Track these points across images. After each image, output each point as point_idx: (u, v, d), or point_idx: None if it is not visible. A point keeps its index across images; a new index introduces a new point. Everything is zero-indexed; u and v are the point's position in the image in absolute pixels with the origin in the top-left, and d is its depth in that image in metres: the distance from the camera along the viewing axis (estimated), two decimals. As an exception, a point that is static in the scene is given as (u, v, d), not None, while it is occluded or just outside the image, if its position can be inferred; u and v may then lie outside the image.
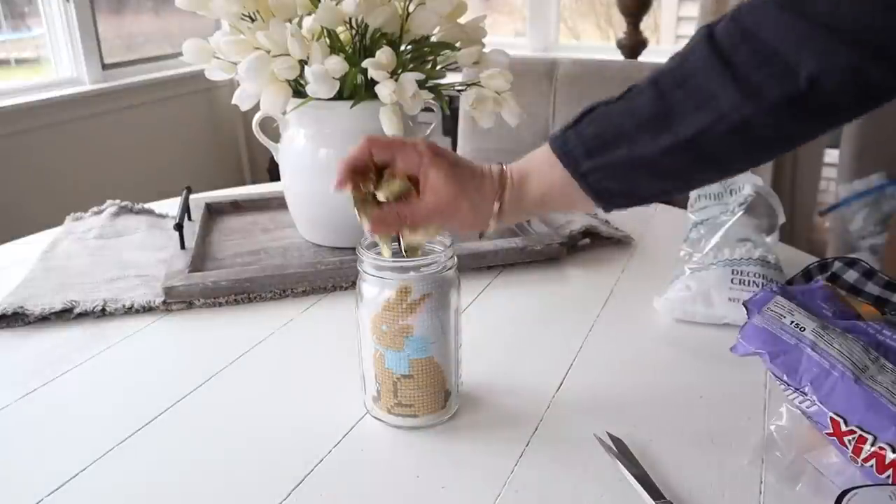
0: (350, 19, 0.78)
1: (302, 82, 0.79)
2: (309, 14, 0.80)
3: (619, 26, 2.44)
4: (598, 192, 0.55)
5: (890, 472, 0.47)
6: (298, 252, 0.90)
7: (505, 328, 0.74)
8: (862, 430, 0.48)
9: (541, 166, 0.57)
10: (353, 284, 0.82)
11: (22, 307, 0.75)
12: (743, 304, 0.56)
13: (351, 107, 0.80)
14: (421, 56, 0.85)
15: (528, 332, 0.73)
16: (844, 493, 0.45)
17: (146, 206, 1.06)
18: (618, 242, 0.95)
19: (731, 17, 0.50)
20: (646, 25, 2.36)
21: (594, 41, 3.03)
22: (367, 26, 0.79)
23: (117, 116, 2.43)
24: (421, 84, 0.80)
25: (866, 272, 0.64)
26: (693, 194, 0.88)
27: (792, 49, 0.47)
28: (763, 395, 0.61)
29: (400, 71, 0.79)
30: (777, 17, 0.48)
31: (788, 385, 0.52)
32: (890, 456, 0.47)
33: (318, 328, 0.75)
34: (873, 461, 0.48)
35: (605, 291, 0.81)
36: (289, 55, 0.75)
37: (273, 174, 2.89)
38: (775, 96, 0.48)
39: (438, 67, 0.86)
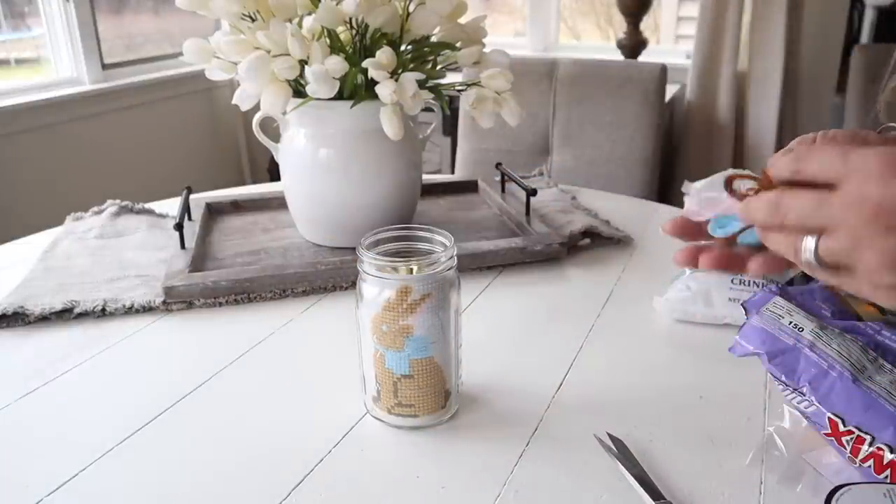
0: (350, 19, 0.78)
1: (302, 82, 0.79)
2: (309, 14, 0.80)
3: (619, 26, 2.45)
4: None
5: (888, 472, 0.47)
6: (298, 252, 0.90)
7: (505, 328, 0.74)
8: (860, 430, 0.48)
9: None
10: (353, 284, 0.83)
11: (22, 307, 0.75)
12: (741, 304, 0.56)
13: (351, 107, 0.80)
14: (421, 56, 0.85)
15: (527, 332, 0.73)
16: (835, 489, 0.45)
17: (146, 206, 1.06)
18: (618, 242, 0.95)
19: None
20: (646, 25, 2.36)
21: (594, 41, 3.03)
22: (367, 26, 0.79)
23: (117, 116, 2.43)
24: (421, 84, 0.80)
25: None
26: (693, 194, 0.88)
27: None
28: (763, 395, 0.61)
29: (400, 71, 0.79)
30: None
31: (787, 385, 0.53)
32: (888, 456, 0.47)
33: (318, 328, 0.75)
34: (871, 461, 0.48)
35: (605, 291, 0.81)
36: (289, 55, 0.75)
37: (273, 174, 2.89)
38: None
39: (438, 67, 0.87)
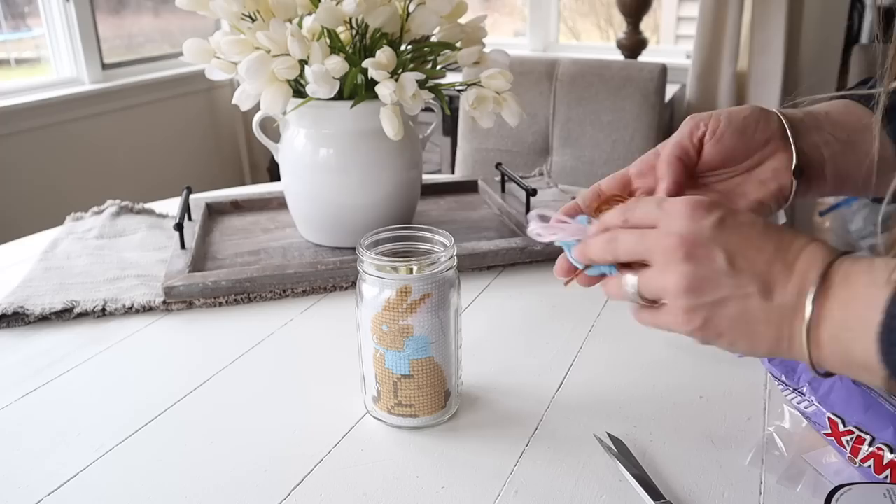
0: (350, 19, 0.78)
1: (302, 82, 0.79)
2: (309, 14, 0.80)
3: (619, 26, 2.45)
4: None
5: (888, 472, 0.47)
6: (298, 252, 0.90)
7: (505, 328, 0.74)
8: (860, 430, 0.48)
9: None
10: (353, 284, 0.83)
11: (22, 307, 0.75)
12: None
13: (351, 107, 0.80)
14: (421, 56, 0.85)
15: (528, 332, 0.73)
16: (835, 489, 0.45)
17: (146, 206, 1.06)
18: (618, 242, 0.94)
19: None
20: (646, 25, 2.36)
21: (594, 41, 3.03)
22: (367, 26, 0.79)
23: (117, 116, 2.43)
24: (421, 84, 0.80)
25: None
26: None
27: None
28: (763, 395, 0.61)
29: (400, 71, 0.79)
30: None
31: (787, 385, 0.53)
32: (888, 456, 0.47)
33: (318, 328, 0.75)
34: (871, 461, 0.48)
35: (605, 291, 0.81)
36: (289, 55, 0.75)
37: (273, 174, 2.89)
38: None
39: (438, 67, 0.87)
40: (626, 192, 0.53)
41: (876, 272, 0.37)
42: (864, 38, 2.55)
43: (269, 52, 0.75)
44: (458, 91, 0.86)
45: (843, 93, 0.56)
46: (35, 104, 2.16)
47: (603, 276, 0.46)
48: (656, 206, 0.42)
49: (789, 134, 0.51)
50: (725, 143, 0.51)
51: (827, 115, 0.54)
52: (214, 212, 1.04)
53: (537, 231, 0.48)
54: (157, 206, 1.08)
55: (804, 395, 0.51)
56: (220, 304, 0.79)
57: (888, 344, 0.35)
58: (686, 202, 0.41)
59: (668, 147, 0.52)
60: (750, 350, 0.42)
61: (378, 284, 0.54)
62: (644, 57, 2.30)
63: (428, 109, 0.89)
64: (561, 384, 0.63)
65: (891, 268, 0.36)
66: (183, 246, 0.86)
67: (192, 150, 2.74)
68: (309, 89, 0.76)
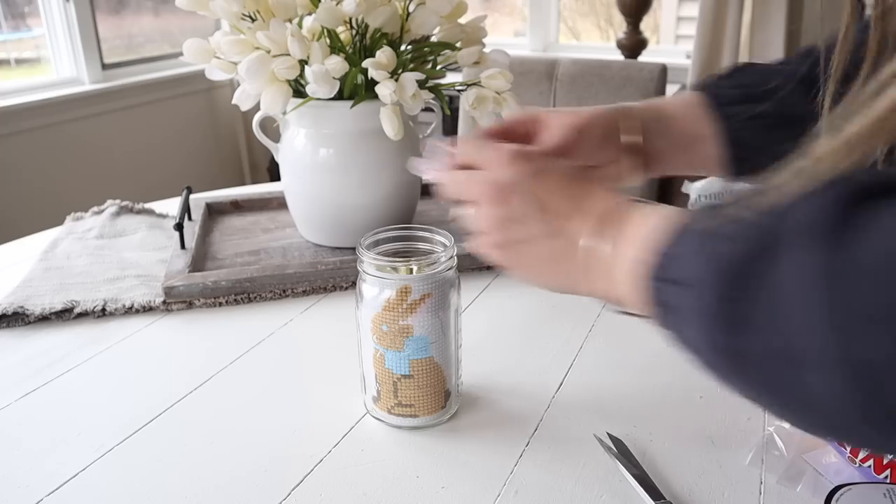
0: (350, 19, 0.78)
1: (302, 82, 0.79)
2: (309, 14, 0.80)
3: (619, 26, 2.45)
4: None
5: (888, 472, 0.47)
6: (298, 252, 0.90)
7: (505, 328, 0.74)
8: (861, 430, 0.48)
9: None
10: (353, 284, 0.83)
11: (22, 307, 0.75)
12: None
13: (351, 107, 0.80)
14: (421, 56, 0.85)
15: (528, 332, 0.73)
16: (835, 489, 0.45)
17: (146, 206, 1.06)
18: (618, 242, 0.94)
19: None
20: (646, 25, 2.36)
21: (594, 41, 3.04)
22: (367, 26, 0.79)
23: (117, 116, 2.43)
24: (421, 84, 0.80)
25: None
26: (693, 194, 0.88)
27: None
28: (763, 395, 0.61)
29: (400, 71, 0.79)
30: None
31: (788, 385, 0.52)
32: (888, 456, 0.47)
33: (318, 328, 0.75)
34: (871, 461, 0.48)
35: (605, 291, 0.81)
36: (289, 55, 0.75)
37: (273, 174, 2.89)
38: None
39: (438, 67, 0.87)
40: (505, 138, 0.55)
41: (652, 216, 0.38)
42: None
43: (269, 52, 0.75)
44: (458, 91, 0.86)
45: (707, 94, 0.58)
46: (35, 104, 2.16)
47: None
48: (481, 149, 0.48)
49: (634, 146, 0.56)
50: (596, 154, 0.55)
51: (674, 122, 0.57)
52: (214, 212, 1.04)
53: (419, 167, 0.52)
54: (157, 206, 1.08)
55: (804, 395, 0.51)
56: (220, 304, 0.79)
57: (649, 279, 0.36)
58: (509, 152, 0.46)
59: (548, 144, 0.54)
60: (552, 286, 0.46)
61: (378, 284, 0.54)
62: (644, 57, 2.30)
63: (428, 109, 0.89)
64: (561, 384, 0.63)
65: (666, 212, 0.38)
66: (183, 246, 0.86)
67: (192, 150, 2.75)
68: (309, 89, 0.76)
